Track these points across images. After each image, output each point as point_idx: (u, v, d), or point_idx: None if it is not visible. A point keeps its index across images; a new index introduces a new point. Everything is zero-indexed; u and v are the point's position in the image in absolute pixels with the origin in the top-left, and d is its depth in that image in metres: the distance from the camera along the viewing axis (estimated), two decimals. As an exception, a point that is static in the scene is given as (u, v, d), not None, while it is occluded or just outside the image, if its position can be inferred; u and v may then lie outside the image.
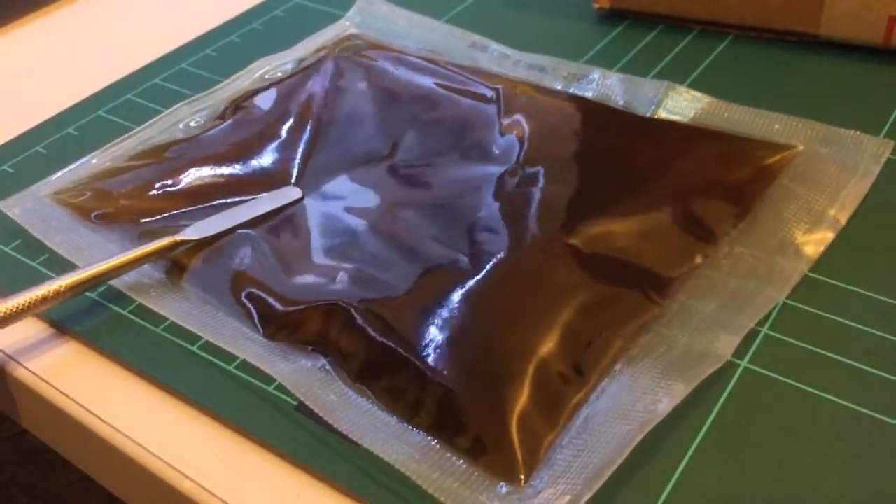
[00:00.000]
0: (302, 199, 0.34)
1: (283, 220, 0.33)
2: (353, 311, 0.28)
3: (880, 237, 0.31)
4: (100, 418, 0.28)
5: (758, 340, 0.28)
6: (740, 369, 0.27)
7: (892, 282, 0.29)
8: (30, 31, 0.49)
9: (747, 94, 0.38)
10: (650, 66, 0.40)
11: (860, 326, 0.28)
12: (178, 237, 0.31)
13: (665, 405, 0.25)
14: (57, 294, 0.29)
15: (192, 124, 0.39)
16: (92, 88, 0.43)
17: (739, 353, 0.27)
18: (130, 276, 0.32)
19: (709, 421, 0.26)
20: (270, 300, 0.30)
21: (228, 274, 0.31)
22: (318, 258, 0.31)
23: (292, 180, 0.35)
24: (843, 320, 0.28)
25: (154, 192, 0.35)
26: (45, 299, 0.29)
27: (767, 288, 0.29)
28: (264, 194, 0.34)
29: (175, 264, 0.32)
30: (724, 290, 0.29)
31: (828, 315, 0.29)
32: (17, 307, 0.29)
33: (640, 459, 0.24)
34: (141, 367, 0.29)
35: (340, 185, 0.34)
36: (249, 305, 0.30)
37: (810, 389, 0.26)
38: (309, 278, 0.30)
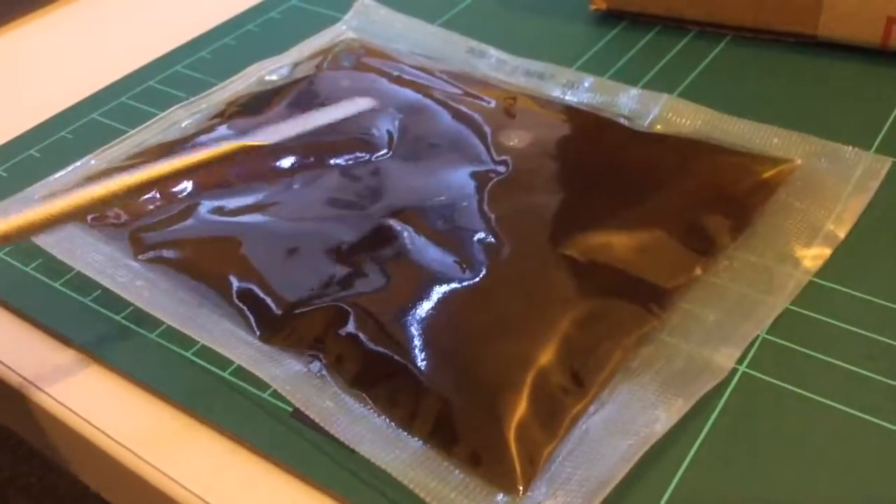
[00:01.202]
0: (374, 109, 0.32)
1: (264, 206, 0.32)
2: (350, 315, 0.28)
3: (880, 244, 0.31)
4: (91, 424, 0.28)
5: (756, 345, 0.28)
6: (738, 375, 0.27)
7: (893, 286, 0.29)
8: (22, 34, 0.49)
9: (745, 96, 0.38)
10: (647, 68, 0.40)
11: (860, 330, 0.28)
12: (245, 142, 0.29)
13: (664, 421, 0.25)
14: (107, 198, 0.26)
15: (185, 124, 0.39)
16: (86, 91, 0.43)
17: (737, 357, 0.27)
18: (123, 277, 0.31)
19: (706, 428, 0.26)
20: (268, 301, 0.29)
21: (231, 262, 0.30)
22: (313, 258, 0.31)
23: (290, 180, 0.34)
24: (842, 324, 0.28)
25: (149, 191, 0.34)
26: (93, 202, 0.26)
27: (767, 299, 0.29)
28: (336, 104, 0.32)
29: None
30: (724, 301, 0.29)
31: (827, 319, 0.28)
32: (65, 210, 0.26)
33: (636, 468, 0.24)
34: (134, 373, 0.29)
35: (331, 180, 0.34)
36: (245, 309, 0.30)
37: (809, 395, 0.26)
38: (303, 276, 0.30)
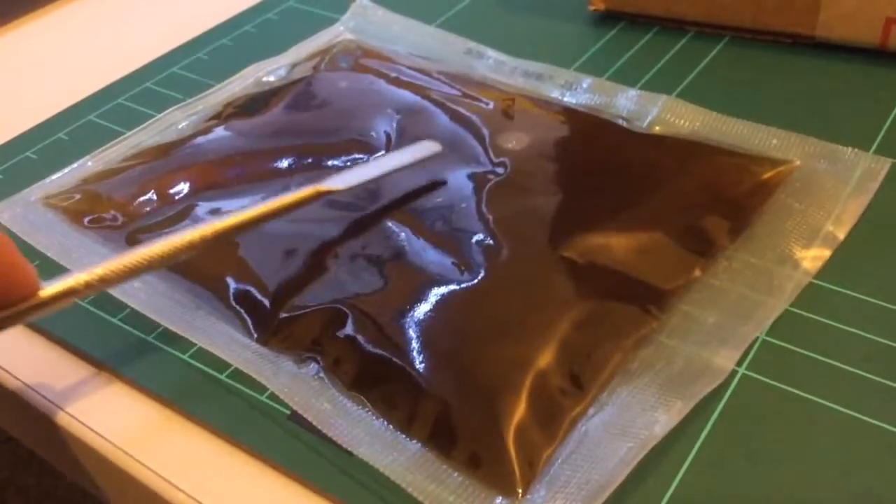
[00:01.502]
0: (441, 153, 0.33)
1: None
2: (348, 317, 0.28)
3: (879, 246, 0.31)
4: (90, 428, 0.28)
5: (755, 347, 0.28)
6: (738, 376, 0.27)
7: (892, 287, 0.29)
8: (19, 36, 0.49)
9: (743, 97, 0.38)
10: (646, 68, 0.40)
11: (859, 332, 0.28)
12: (322, 187, 0.30)
13: (664, 423, 0.25)
14: (185, 248, 0.27)
15: (182, 125, 0.39)
16: (83, 93, 0.42)
17: (737, 359, 0.27)
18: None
19: (706, 430, 0.25)
20: (266, 303, 0.29)
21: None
22: (310, 259, 0.31)
23: (287, 179, 0.34)
24: (842, 326, 0.28)
25: (146, 192, 0.35)
26: (190, 246, 0.27)
27: (766, 300, 0.28)
28: (404, 148, 0.33)
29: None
30: (723, 302, 0.28)
31: (826, 321, 0.28)
32: (135, 263, 0.26)
33: (635, 470, 0.24)
34: (129, 375, 0.29)
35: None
36: (242, 311, 0.29)
37: (809, 396, 0.26)
38: (301, 278, 0.30)
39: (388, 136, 0.36)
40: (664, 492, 0.24)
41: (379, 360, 0.27)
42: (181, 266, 0.31)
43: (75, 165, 0.37)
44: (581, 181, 0.33)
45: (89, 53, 0.46)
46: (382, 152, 0.34)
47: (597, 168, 0.34)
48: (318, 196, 0.30)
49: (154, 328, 0.30)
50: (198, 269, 0.31)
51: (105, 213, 0.34)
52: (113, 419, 0.28)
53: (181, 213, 0.33)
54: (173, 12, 0.49)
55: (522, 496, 0.24)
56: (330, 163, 0.35)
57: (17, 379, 0.30)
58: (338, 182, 0.31)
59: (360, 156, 0.35)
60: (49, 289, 0.25)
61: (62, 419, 0.28)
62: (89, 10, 0.50)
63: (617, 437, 0.25)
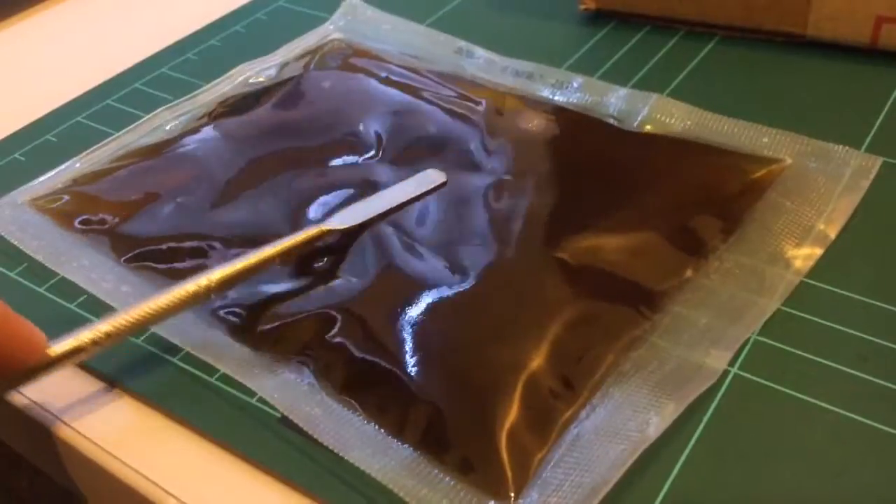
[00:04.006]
0: (445, 183, 0.33)
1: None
2: (339, 322, 0.28)
3: (871, 244, 0.31)
4: (75, 430, 0.27)
5: (747, 347, 0.28)
6: (730, 376, 0.27)
7: (885, 285, 0.29)
8: (5, 37, 0.48)
9: (734, 96, 0.38)
10: (637, 67, 0.40)
11: (852, 331, 0.28)
12: (325, 226, 0.30)
13: (656, 425, 0.25)
14: (203, 292, 0.27)
15: (171, 126, 0.38)
16: (71, 94, 0.42)
17: (729, 360, 0.27)
18: (108, 282, 0.31)
19: (698, 431, 0.25)
20: (256, 307, 0.29)
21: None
22: (301, 262, 0.30)
23: (277, 179, 0.34)
24: (834, 325, 0.28)
25: (135, 193, 0.34)
26: (195, 296, 0.27)
27: (758, 300, 0.28)
28: (408, 180, 0.33)
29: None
30: (715, 302, 0.28)
31: (819, 320, 0.28)
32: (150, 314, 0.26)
33: (628, 472, 0.24)
34: (120, 379, 0.28)
35: (320, 182, 0.34)
36: (232, 315, 0.29)
37: (801, 396, 0.26)
38: (291, 282, 0.30)
39: (378, 135, 0.36)
40: (657, 493, 0.24)
41: (370, 364, 0.27)
42: (168, 270, 0.31)
43: (63, 167, 0.37)
44: (572, 181, 0.33)
45: (77, 54, 0.46)
46: (387, 182, 0.33)
47: (588, 168, 0.34)
48: (323, 235, 0.30)
49: (143, 331, 0.30)
50: (185, 273, 0.31)
51: (93, 214, 0.34)
52: (99, 421, 0.28)
53: (171, 216, 0.33)
54: (162, 12, 0.49)
55: (515, 500, 0.23)
56: (321, 164, 0.35)
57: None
58: (343, 220, 0.31)
59: (351, 157, 0.35)
60: (56, 348, 0.26)
61: (47, 420, 0.28)
62: (77, 10, 0.50)
63: (609, 439, 0.24)
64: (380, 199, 0.32)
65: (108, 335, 0.26)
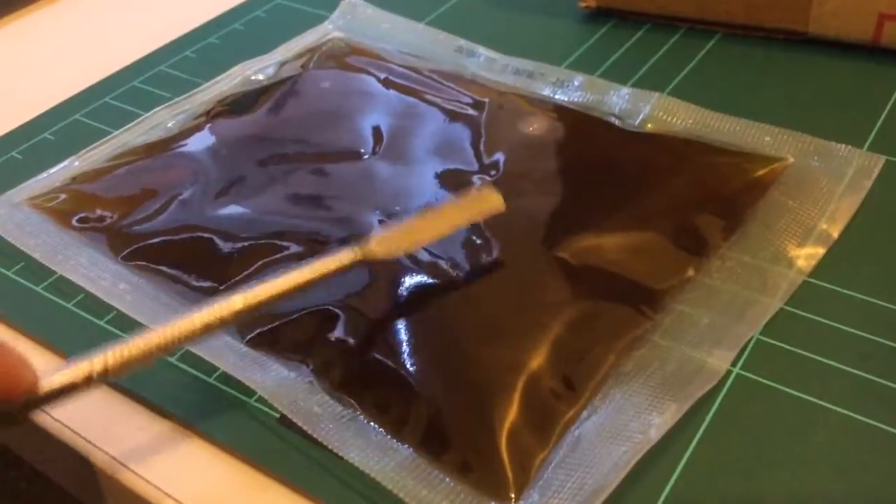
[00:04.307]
0: (502, 208, 0.29)
1: None
2: (339, 320, 0.28)
3: (874, 243, 0.31)
4: (72, 430, 0.27)
5: (750, 347, 0.27)
6: (732, 377, 0.27)
7: (888, 285, 0.29)
8: (3, 34, 0.48)
9: (735, 94, 0.38)
10: (637, 66, 0.40)
11: (854, 330, 0.28)
12: (363, 255, 0.27)
13: (658, 426, 0.24)
14: (228, 316, 0.25)
15: (169, 124, 0.38)
16: (69, 92, 0.42)
17: (731, 359, 0.27)
18: (106, 280, 0.31)
19: (700, 431, 0.25)
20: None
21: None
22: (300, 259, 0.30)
23: (275, 178, 0.34)
24: (836, 324, 0.28)
25: (133, 191, 0.34)
26: (222, 321, 0.25)
27: (761, 299, 0.28)
28: (458, 199, 0.29)
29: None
30: (717, 302, 0.28)
31: (821, 319, 0.28)
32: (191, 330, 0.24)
33: (630, 473, 0.24)
34: (119, 381, 0.28)
35: (319, 180, 0.34)
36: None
37: (803, 396, 0.26)
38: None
39: (377, 134, 0.36)
40: (659, 494, 0.24)
41: (369, 363, 0.27)
42: (167, 269, 0.31)
43: (61, 165, 0.36)
44: (573, 180, 0.33)
45: (75, 51, 0.46)
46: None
47: (589, 167, 0.34)
48: (357, 262, 0.27)
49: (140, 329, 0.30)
50: (183, 269, 0.31)
51: (91, 213, 0.34)
52: (97, 422, 0.27)
53: (169, 213, 0.33)
54: (160, 10, 0.49)
55: (515, 501, 0.23)
56: (320, 161, 0.35)
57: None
58: (388, 250, 0.27)
59: (350, 154, 0.35)
60: (49, 381, 0.23)
61: (47, 423, 0.28)
62: (75, 7, 0.50)
63: (611, 440, 0.24)
64: (426, 225, 0.28)
65: (107, 371, 0.24)
